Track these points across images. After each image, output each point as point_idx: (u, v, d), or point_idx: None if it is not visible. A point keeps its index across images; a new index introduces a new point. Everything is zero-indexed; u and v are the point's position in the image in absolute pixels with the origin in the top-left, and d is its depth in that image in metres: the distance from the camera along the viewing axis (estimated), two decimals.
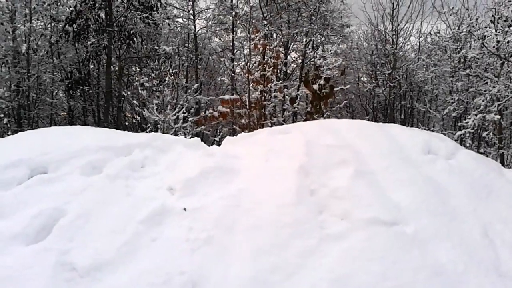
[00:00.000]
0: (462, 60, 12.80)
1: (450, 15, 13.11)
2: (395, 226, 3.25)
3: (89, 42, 15.55)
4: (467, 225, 3.30)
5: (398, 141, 4.45)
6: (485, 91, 10.70)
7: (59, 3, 16.83)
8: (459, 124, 11.66)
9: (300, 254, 3.08)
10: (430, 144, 4.41)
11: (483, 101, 10.25)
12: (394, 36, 17.48)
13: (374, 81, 18.30)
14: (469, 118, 10.36)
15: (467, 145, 11.07)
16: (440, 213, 3.40)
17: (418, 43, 18.10)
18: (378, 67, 18.18)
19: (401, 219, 3.30)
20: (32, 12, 16.17)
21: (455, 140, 10.48)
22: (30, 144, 4.39)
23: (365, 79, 20.10)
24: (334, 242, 3.17)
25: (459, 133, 10.61)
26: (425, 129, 11.14)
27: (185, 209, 3.43)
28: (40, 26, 16.90)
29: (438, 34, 14.63)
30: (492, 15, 10.49)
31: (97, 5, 15.10)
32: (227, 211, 3.43)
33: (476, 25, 11.33)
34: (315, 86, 11.94)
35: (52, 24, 16.72)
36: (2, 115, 15.51)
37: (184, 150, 4.70)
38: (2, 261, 2.88)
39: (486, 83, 10.83)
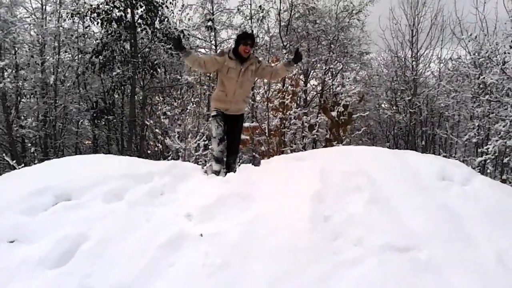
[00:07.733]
0: (482, 86, 12.72)
1: (469, 41, 13.13)
2: (409, 252, 3.27)
3: (114, 73, 16.06)
4: (481, 251, 3.29)
5: (413, 167, 4.48)
6: (505, 116, 10.59)
7: (86, 36, 17.49)
8: (480, 150, 11.52)
9: (315, 280, 3.09)
10: (445, 171, 4.42)
11: (503, 126, 10.15)
12: (414, 62, 17.51)
13: (394, 108, 18.25)
14: (490, 144, 10.25)
15: (489, 171, 10.88)
16: (454, 239, 3.40)
17: (438, 69, 18.06)
18: (398, 94, 18.14)
19: (415, 245, 3.32)
20: (61, 45, 16.87)
21: (477, 167, 10.36)
22: (56, 172, 4.60)
23: (385, 105, 20.05)
24: (348, 268, 3.18)
25: (480, 159, 10.47)
26: (446, 155, 11.04)
27: (201, 234, 3.52)
28: (68, 58, 17.60)
29: (458, 60, 14.59)
30: None
31: (122, 37, 15.63)
32: (242, 237, 3.49)
33: (496, 50, 11.31)
34: (334, 113, 12.04)
35: (79, 56, 17.38)
36: (29, 144, 16.07)
37: (202, 177, 4.84)
38: (28, 285, 3.01)
39: (507, 108, 10.73)
